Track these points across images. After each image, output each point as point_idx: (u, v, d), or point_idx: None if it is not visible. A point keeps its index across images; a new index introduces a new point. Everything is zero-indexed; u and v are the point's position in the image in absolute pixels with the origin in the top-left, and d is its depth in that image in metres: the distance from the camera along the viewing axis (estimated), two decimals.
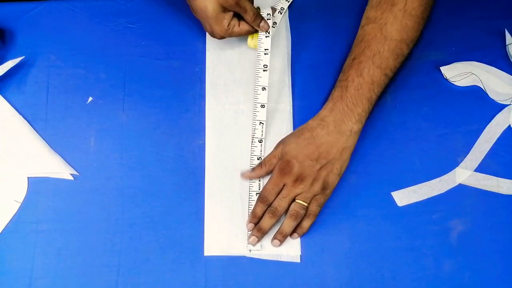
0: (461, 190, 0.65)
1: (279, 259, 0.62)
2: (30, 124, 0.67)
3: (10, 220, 0.63)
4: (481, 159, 0.66)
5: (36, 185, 0.65)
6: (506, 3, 0.74)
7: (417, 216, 0.64)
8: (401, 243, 0.63)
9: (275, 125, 0.68)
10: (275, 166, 0.63)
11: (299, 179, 0.62)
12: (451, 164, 0.66)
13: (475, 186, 0.65)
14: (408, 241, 0.63)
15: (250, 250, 0.62)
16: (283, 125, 0.68)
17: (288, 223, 0.62)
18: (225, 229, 0.63)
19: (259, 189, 0.65)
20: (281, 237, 0.62)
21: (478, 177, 0.66)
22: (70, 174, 0.65)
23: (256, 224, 0.63)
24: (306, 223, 0.62)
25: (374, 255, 0.62)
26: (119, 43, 0.72)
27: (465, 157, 0.67)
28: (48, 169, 0.65)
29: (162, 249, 0.62)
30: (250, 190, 0.65)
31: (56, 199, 0.64)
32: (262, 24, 0.67)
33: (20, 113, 0.68)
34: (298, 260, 0.62)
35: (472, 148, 0.67)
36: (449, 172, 0.66)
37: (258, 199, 0.63)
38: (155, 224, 0.63)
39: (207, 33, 0.73)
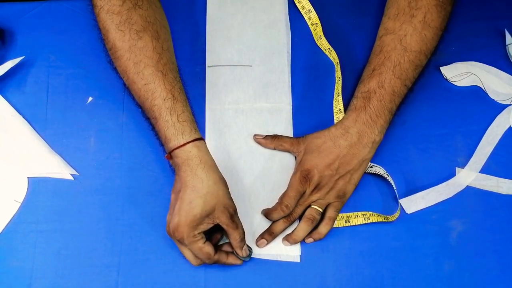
0: (461, 190, 0.65)
1: (279, 259, 0.62)
2: (30, 124, 0.67)
3: (10, 220, 0.63)
4: (484, 161, 0.66)
5: (36, 185, 0.65)
6: (506, 3, 0.74)
7: (417, 216, 0.64)
8: (401, 243, 0.63)
9: (275, 125, 0.68)
10: (296, 173, 0.63)
11: (317, 188, 0.62)
12: (451, 164, 0.66)
13: (475, 186, 0.65)
14: (408, 241, 0.63)
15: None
16: (283, 125, 0.68)
17: (303, 228, 0.62)
18: None
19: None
20: (293, 241, 0.62)
21: (478, 177, 0.66)
22: (70, 174, 0.65)
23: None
24: (325, 229, 0.62)
25: (374, 255, 0.62)
26: None
27: (465, 157, 0.67)
28: (48, 169, 0.65)
29: (162, 249, 0.62)
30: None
31: (56, 199, 0.64)
32: (242, 251, 0.60)
33: (20, 113, 0.68)
34: (298, 260, 0.62)
35: (476, 150, 0.67)
36: (449, 172, 0.66)
37: (279, 207, 0.62)
38: (155, 224, 0.63)
39: (207, 32, 0.73)
